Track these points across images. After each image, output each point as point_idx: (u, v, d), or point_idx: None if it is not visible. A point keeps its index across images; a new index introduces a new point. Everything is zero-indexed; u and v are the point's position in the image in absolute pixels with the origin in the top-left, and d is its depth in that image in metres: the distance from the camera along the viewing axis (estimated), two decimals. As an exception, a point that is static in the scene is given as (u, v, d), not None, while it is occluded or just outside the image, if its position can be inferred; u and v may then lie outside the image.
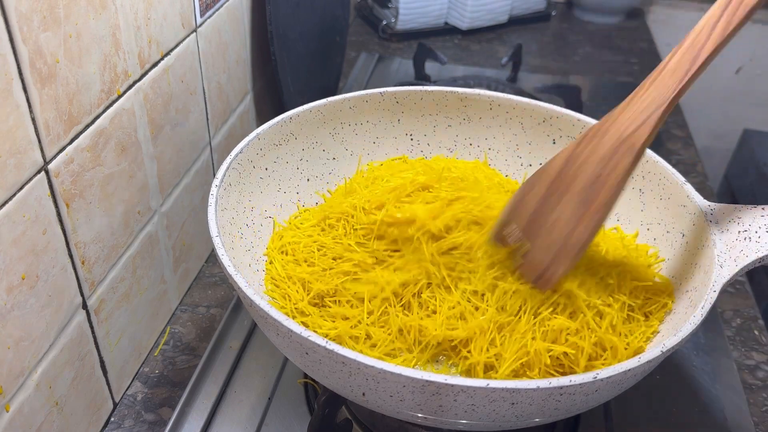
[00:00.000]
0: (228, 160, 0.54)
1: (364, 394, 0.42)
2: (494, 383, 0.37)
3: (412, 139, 0.68)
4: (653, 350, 0.40)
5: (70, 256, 0.48)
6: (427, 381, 0.38)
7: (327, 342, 0.39)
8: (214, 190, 0.52)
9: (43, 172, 0.44)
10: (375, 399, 0.42)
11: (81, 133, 0.47)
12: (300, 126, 0.61)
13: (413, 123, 0.67)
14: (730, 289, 0.74)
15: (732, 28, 0.43)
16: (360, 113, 0.65)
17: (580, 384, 0.38)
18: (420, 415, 0.42)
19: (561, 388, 0.38)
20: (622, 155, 0.45)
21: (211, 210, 0.50)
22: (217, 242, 0.47)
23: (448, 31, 1.29)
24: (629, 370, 0.39)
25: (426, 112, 0.67)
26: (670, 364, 0.63)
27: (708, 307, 0.44)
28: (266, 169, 0.59)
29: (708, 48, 0.43)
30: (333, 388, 0.45)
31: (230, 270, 0.45)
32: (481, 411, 0.40)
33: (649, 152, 0.57)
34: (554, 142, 0.65)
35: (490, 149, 0.67)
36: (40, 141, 0.43)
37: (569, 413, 0.43)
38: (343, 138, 0.65)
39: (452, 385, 0.38)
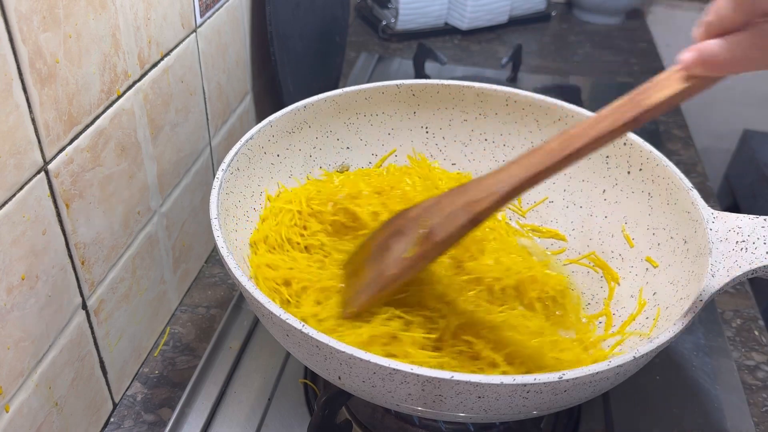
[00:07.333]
0: (238, 145, 0.55)
1: (339, 378, 0.43)
2: (459, 376, 0.38)
3: (427, 132, 0.68)
4: (625, 355, 0.40)
5: (70, 256, 0.48)
6: (393, 369, 0.38)
7: (303, 326, 0.40)
8: (220, 173, 0.52)
9: (42, 173, 0.44)
10: (350, 383, 0.43)
11: (81, 133, 0.47)
12: (314, 115, 0.62)
13: (429, 116, 0.67)
14: (730, 289, 0.74)
15: (609, 133, 0.40)
16: (375, 104, 0.65)
17: (544, 383, 0.38)
18: (396, 403, 0.43)
19: (525, 385, 0.38)
20: (462, 215, 0.46)
21: (214, 192, 0.50)
22: (215, 224, 0.48)
23: (448, 31, 1.29)
24: (597, 372, 0.39)
25: (442, 106, 0.67)
26: (670, 364, 0.63)
27: (691, 317, 0.44)
28: (278, 155, 0.60)
29: (580, 143, 0.41)
30: (315, 370, 0.46)
31: (223, 252, 0.45)
32: (449, 402, 0.40)
33: (658, 155, 0.57)
34: None
35: (504, 145, 0.67)
36: (39, 141, 0.43)
37: (542, 410, 0.43)
38: (358, 128, 0.65)
39: (417, 375, 0.38)
